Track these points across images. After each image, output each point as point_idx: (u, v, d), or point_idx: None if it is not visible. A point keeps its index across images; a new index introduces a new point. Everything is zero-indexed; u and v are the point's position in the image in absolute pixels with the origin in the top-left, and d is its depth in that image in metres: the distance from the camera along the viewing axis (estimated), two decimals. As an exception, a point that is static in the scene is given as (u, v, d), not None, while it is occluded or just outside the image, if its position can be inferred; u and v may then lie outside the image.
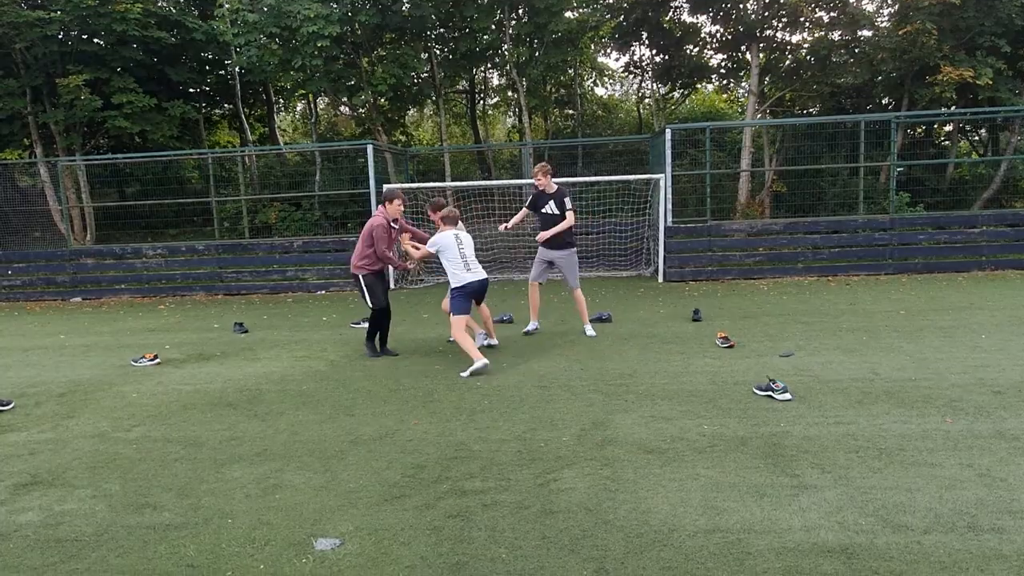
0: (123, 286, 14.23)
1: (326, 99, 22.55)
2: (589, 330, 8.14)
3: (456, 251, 6.78)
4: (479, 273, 6.88)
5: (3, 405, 5.83)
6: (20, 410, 5.80)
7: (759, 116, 17.52)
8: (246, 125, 20.89)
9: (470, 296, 6.83)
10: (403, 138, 22.63)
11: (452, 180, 18.53)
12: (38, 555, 3.27)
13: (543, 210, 7.94)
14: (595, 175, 16.76)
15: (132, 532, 3.47)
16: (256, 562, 3.12)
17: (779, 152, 18.11)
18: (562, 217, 7.83)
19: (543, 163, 8.03)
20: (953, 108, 16.68)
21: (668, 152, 13.13)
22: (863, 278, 12.45)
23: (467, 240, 6.97)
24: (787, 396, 5.25)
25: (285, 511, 3.64)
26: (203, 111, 21.06)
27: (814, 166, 16.04)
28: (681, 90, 21.92)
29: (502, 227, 8.33)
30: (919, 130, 18.32)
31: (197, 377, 6.80)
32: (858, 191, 15.15)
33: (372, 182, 13.61)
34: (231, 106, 21.99)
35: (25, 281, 14.36)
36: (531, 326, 8.33)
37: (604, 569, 2.93)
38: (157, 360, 7.50)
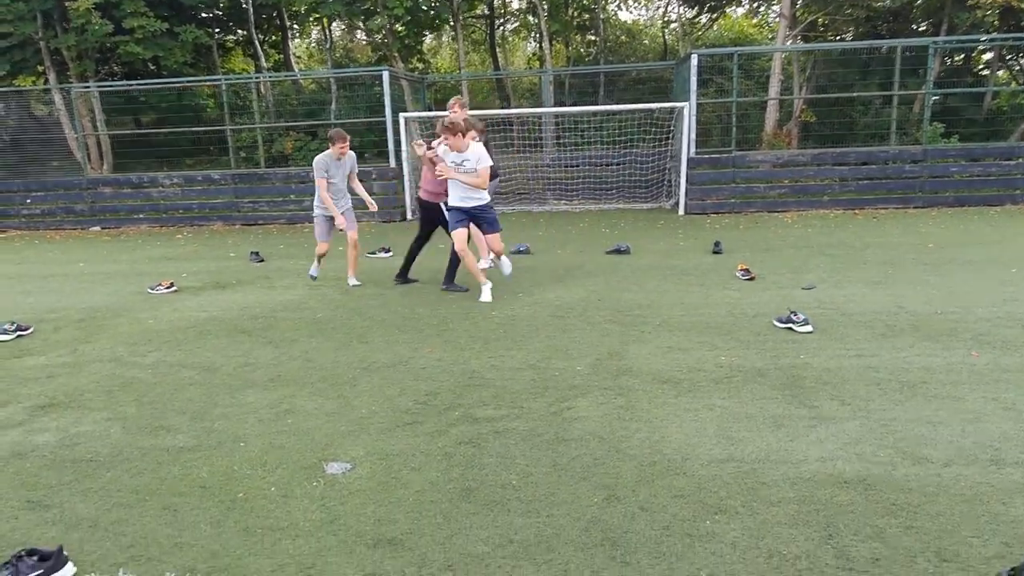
0: (141, 215, 14.26)
1: (342, 25, 21.95)
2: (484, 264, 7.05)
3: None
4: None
5: (23, 330, 5.88)
6: (39, 335, 5.85)
7: (790, 42, 16.79)
8: (260, 51, 20.46)
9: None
10: (420, 65, 22.08)
11: (470, 109, 18.12)
12: (54, 474, 3.31)
13: None
14: (617, 104, 16.29)
15: (146, 454, 3.49)
16: (267, 484, 3.13)
17: (809, 80, 17.44)
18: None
19: (458, 96, 7.24)
20: (995, 34, 15.85)
21: (693, 79, 12.66)
22: (891, 211, 12.11)
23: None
24: (808, 328, 5.13)
25: (297, 435, 3.64)
26: (216, 37, 20.61)
27: (846, 94, 15.45)
28: (709, 14, 21.04)
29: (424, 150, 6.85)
30: (957, 58, 17.51)
31: (213, 304, 6.81)
32: (890, 121, 14.60)
33: (388, 110, 13.31)
34: (244, 32, 21.51)
35: (44, 210, 14.42)
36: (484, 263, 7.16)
37: (615, 496, 2.90)
38: (174, 288, 7.51)
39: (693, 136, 12.85)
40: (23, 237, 13.52)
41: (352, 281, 7.50)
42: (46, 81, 17.70)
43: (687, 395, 3.99)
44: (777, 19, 18.36)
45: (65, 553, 2.51)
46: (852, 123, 16.03)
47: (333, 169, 7.14)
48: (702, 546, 2.53)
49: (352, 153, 7.34)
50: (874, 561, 2.40)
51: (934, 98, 14.41)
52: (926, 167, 12.45)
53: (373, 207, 7.61)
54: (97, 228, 14.07)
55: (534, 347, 5.01)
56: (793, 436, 3.40)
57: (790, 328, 5.19)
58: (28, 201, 14.45)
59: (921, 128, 13.46)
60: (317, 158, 7.14)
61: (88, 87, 16.36)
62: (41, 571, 2.42)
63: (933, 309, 5.60)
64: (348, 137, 7.19)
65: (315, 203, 7.36)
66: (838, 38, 18.55)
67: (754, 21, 23.63)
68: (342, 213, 7.25)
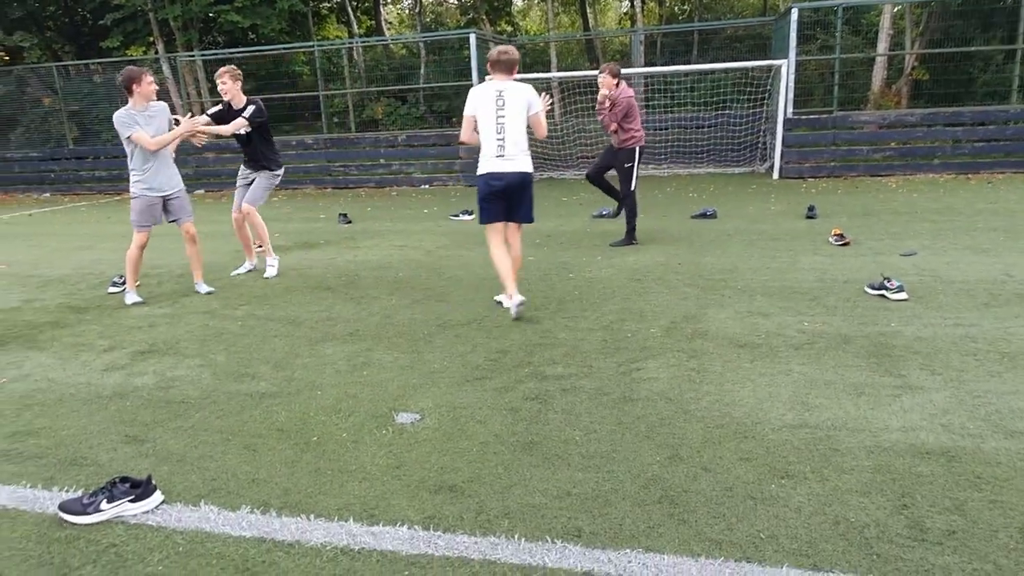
0: (241, 179, 14.92)
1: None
2: (243, 268, 6.75)
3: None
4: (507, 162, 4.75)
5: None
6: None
7: (902, -7, 15.60)
8: (352, 18, 20.82)
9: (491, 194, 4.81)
10: (509, 28, 21.90)
11: (557, 71, 17.87)
12: (150, 413, 3.56)
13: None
14: (711, 63, 15.66)
15: (232, 398, 3.70)
16: (340, 430, 3.26)
17: (923, 35, 16.18)
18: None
19: (229, 66, 6.33)
20: None
21: (793, 35, 11.99)
22: (1008, 176, 11.18)
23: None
24: (902, 296, 4.84)
25: (370, 386, 3.77)
26: (311, 4, 21.11)
27: (964, 48, 14.26)
28: (814, -34, 19.81)
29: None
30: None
31: (301, 263, 7.09)
32: (1012, 78, 13.39)
33: (475, 74, 13.32)
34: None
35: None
36: (245, 267, 6.77)
37: (678, 456, 2.85)
38: (267, 246, 7.85)
39: (791, 96, 12.22)
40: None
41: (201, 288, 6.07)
42: (156, 52, 18.65)
43: (763, 360, 3.86)
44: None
45: (154, 483, 2.70)
46: (969, 80, 14.80)
47: (143, 122, 5.43)
48: (764, 509, 2.46)
49: (163, 104, 5.67)
50: (950, 534, 2.27)
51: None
52: (1053, 127, 11.39)
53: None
54: (201, 191, 14.85)
55: (609, 309, 4.96)
56: (875, 405, 3.24)
57: (882, 295, 4.92)
58: (140, 165, 15.40)
59: (1050, 84, 12.30)
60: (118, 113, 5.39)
61: (193, 56, 17.16)
62: (132, 497, 2.62)
63: (1047, 278, 5.16)
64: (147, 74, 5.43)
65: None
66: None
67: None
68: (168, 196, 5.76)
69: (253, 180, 6.56)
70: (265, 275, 6.52)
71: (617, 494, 2.60)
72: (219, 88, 6.22)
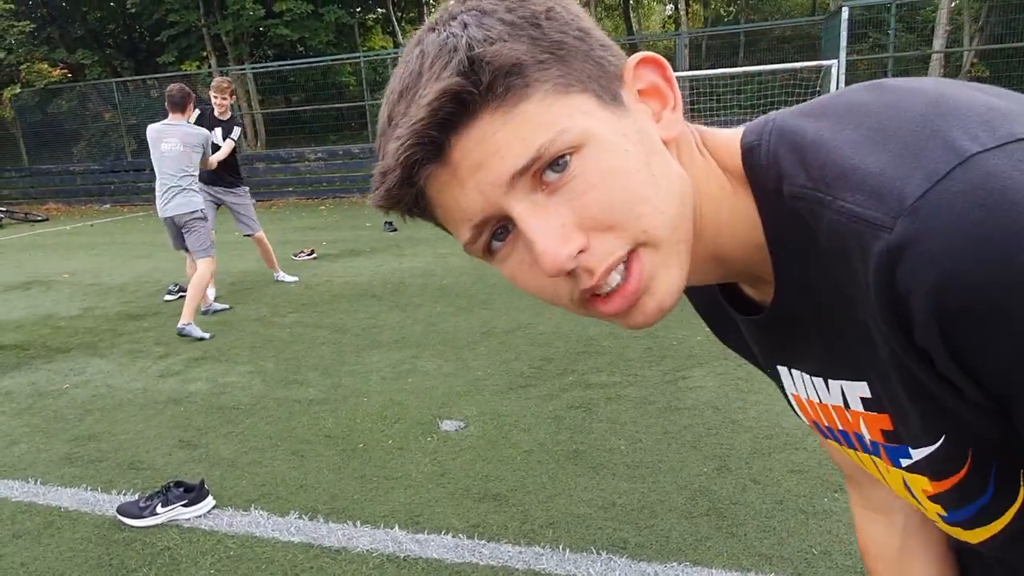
0: (290, 188, 15.27)
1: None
2: (282, 276, 6.81)
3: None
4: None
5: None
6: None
7: (959, -13, 15.13)
8: (397, 28, 21.14)
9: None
10: (552, 34, 21.93)
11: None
12: (203, 418, 3.65)
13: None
14: (757, 65, 15.41)
15: (281, 404, 3.78)
16: (385, 437, 3.29)
17: (983, 30, 15.64)
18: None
19: (224, 78, 6.39)
20: None
21: (843, 34, 11.72)
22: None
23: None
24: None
25: (416, 394, 3.80)
26: (357, 16, 21.50)
27: (1026, 44, 13.72)
28: (864, -37, 19.35)
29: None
30: None
31: (348, 270, 7.20)
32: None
33: (518, 80, 13.35)
34: (384, 10, 22.28)
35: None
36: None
37: (726, 467, 2.80)
38: (314, 255, 8.02)
39: (841, 96, 11.92)
40: (190, 209, 14.92)
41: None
42: (209, 65, 19.23)
43: (814, 368, 3.76)
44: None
45: (206, 487, 2.77)
46: (1034, 77, 14.22)
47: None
48: (816, 523, 2.39)
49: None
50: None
51: None
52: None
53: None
54: (253, 201, 15.23)
55: (654, 315, 4.90)
56: (932, 415, 3.13)
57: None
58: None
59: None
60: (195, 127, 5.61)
61: (243, 69, 17.65)
62: (186, 501, 2.69)
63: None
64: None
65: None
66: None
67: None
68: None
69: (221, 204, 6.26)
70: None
71: (663, 505, 2.56)
72: (220, 101, 6.15)
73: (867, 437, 0.65)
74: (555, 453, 3.03)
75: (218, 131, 6.13)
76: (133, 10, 17.90)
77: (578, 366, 4.05)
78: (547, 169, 0.53)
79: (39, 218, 14.70)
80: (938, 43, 14.69)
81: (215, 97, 6.20)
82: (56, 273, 8.11)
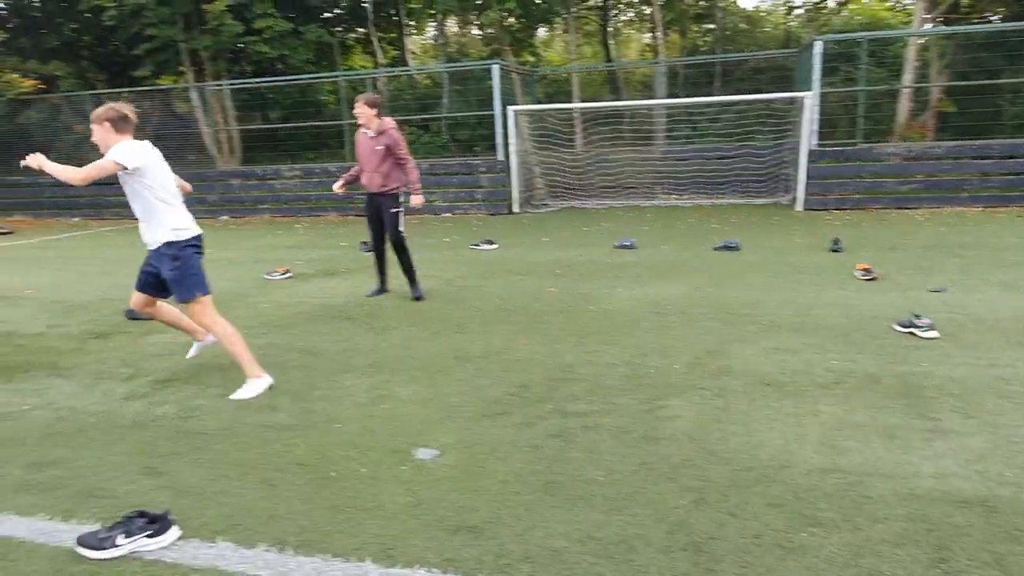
0: (265, 206, 15.10)
1: (456, 20, 22.37)
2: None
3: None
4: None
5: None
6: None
7: (929, 25, 15.54)
8: (377, 48, 21.17)
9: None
10: (532, 58, 22.13)
11: (579, 102, 17.98)
12: (169, 444, 3.55)
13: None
14: (733, 95, 15.67)
15: (251, 429, 3.68)
16: (359, 465, 3.22)
17: (949, 67, 16.08)
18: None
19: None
20: None
21: (817, 67, 11.97)
22: (1040, 209, 10.99)
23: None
24: (933, 334, 4.73)
25: (390, 420, 3.73)
26: (337, 36, 21.51)
27: (992, 81, 14.13)
28: (836, -2, 19.87)
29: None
30: None
31: (322, 291, 7.11)
32: (1042, 110, 13.24)
33: (498, 104, 13.40)
34: (364, 30, 22.33)
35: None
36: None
37: (704, 500, 2.77)
38: (289, 274, 7.91)
39: (815, 128, 12.16)
40: (162, 225, 14.67)
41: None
42: (186, 81, 19.06)
43: (790, 399, 3.77)
44: (914, 1, 17.04)
45: (171, 517, 2.67)
46: (997, 112, 14.63)
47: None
48: (795, 559, 2.37)
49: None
50: (992, 592, 2.17)
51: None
52: (1084, 160, 11.20)
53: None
54: (226, 217, 15.03)
55: (630, 343, 4.89)
56: (907, 449, 3.14)
57: (912, 333, 4.81)
58: (168, 191, 15.67)
59: (1080, 117, 12.13)
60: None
61: (220, 85, 17.50)
62: (149, 532, 2.59)
63: (1083, 317, 5.02)
64: None
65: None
66: (984, 20, 17.00)
67: (888, 4, 22.07)
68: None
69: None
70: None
71: (641, 540, 2.53)
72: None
73: None
74: (531, 484, 2.98)
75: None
76: (110, 23, 17.68)
77: (555, 393, 4.01)
78: None
79: (4, 231, 14.37)
80: (907, 78, 15.06)
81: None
82: (19, 288, 7.89)
